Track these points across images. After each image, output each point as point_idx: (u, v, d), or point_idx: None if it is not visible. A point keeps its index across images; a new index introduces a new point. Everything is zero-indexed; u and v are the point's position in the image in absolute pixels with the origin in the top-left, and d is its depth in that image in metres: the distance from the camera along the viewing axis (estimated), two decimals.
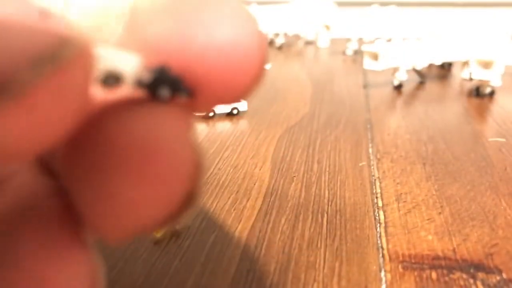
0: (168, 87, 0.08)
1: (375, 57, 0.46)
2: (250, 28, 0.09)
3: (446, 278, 0.19)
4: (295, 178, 0.28)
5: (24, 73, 0.07)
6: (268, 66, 0.50)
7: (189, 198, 0.09)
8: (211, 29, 0.09)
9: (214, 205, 0.24)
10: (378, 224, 0.23)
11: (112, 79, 0.08)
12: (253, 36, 0.09)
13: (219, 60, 0.09)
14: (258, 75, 0.09)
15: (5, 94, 0.07)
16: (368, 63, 0.47)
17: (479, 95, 0.46)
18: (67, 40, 0.08)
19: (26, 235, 0.10)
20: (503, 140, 0.34)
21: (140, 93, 0.09)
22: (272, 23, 0.76)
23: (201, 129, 0.37)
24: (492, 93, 0.46)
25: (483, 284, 0.18)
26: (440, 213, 0.23)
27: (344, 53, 0.70)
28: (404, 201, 0.25)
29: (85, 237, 0.10)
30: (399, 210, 0.24)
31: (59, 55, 0.07)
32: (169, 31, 0.09)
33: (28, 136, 0.07)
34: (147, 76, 0.08)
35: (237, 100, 0.09)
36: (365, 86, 0.50)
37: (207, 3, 0.09)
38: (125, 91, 0.08)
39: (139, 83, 0.08)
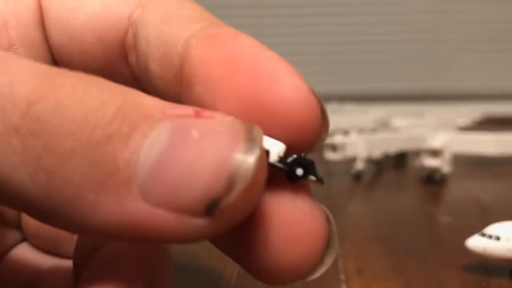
0: (302, 168, 0.12)
1: (334, 148, 0.50)
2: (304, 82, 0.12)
3: None
4: None
5: (222, 196, 0.09)
6: None
7: (328, 247, 0.11)
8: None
9: None
10: None
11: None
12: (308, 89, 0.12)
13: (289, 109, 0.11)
14: (320, 119, 0.12)
15: (209, 214, 0.09)
16: (328, 154, 0.51)
17: (431, 181, 0.50)
18: (252, 148, 0.10)
19: None
20: (451, 219, 0.37)
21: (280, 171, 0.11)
22: None
23: None
24: (442, 179, 0.50)
25: None
26: (396, 284, 0.26)
27: None
28: (364, 275, 0.27)
29: None
30: (359, 283, 0.26)
31: (248, 169, 0.10)
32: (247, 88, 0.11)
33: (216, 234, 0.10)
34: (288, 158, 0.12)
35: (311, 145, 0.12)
36: (327, 175, 0.53)
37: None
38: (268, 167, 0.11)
39: (281, 162, 0.11)
